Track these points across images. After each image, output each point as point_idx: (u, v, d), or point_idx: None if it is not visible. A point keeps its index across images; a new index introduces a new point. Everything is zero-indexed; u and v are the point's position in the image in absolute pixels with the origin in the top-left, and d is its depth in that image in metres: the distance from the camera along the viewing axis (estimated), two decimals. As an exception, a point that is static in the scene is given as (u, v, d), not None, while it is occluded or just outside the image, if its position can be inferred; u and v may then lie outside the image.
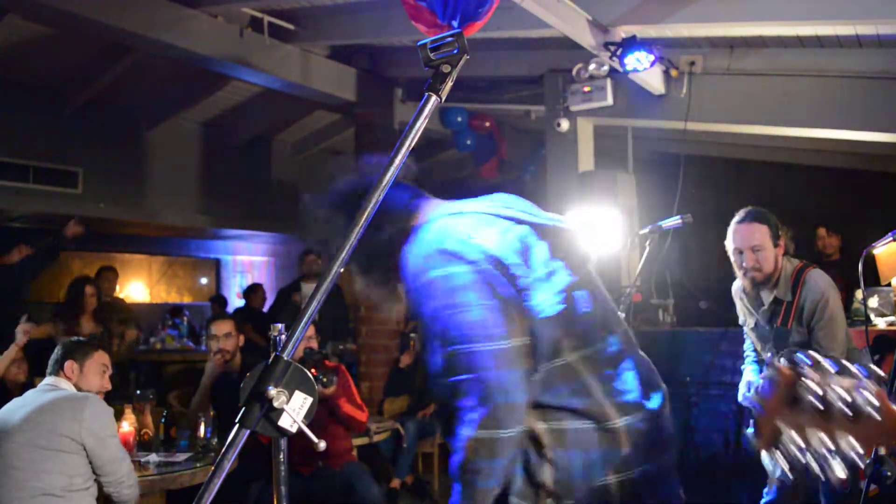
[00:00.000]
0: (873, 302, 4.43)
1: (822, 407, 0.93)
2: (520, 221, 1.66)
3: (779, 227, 3.12)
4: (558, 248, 1.66)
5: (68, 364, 3.05)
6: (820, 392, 0.93)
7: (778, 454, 0.95)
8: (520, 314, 1.53)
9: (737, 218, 3.16)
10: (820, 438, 0.93)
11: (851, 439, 0.92)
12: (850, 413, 0.92)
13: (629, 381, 1.64)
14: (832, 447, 0.93)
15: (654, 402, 1.66)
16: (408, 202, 1.77)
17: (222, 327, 4.04)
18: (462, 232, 1.58)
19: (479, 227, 1.60)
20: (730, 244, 3.16)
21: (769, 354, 3.14)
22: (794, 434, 0.94)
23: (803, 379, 0.95)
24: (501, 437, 1.47)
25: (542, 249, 1.62)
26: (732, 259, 3.18)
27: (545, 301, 1.55)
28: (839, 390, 0.93)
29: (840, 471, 0.93)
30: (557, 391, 1.55)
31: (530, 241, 1.62)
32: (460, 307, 1.50)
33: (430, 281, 1.54)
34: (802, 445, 0.94)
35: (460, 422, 1.50)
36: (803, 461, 0.94)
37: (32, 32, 6.03)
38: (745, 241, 3.09)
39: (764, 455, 0.91)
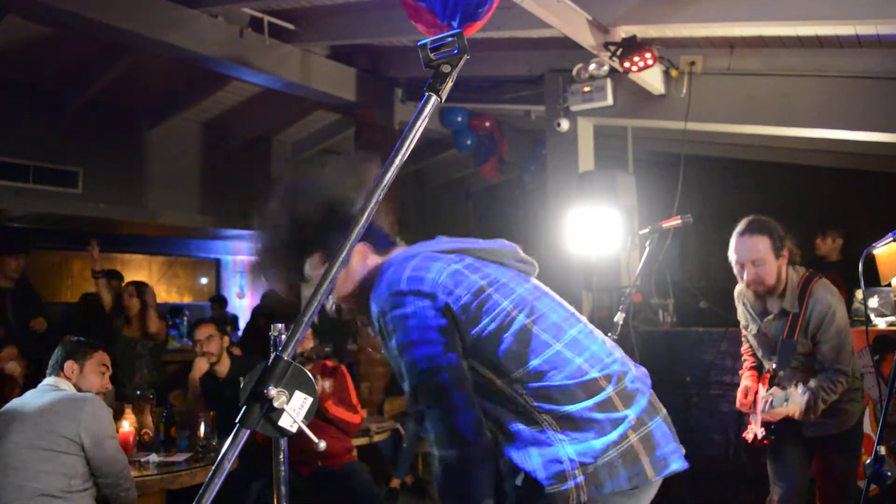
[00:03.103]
0: (873, 302, 4.42)
1: None
2: (461, 253, 1.75)
3: (783, 236, 3.04)
4: (500, 270, 1.73)
5: (68, 364, 3.05)
6: None
7: None
8: (469, 339, 1.62)
9: (738, 229, 3.09)
10: None
11: None
12: None
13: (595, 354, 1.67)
14: None
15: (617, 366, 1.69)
16: (376, 244, 1.84)
17: (203, 331, 4.21)
18: (414, 272, 1.66)
19: (428, 265, 1.67)
20: (731, 256, 3.11)
21: (774, 366, 3.12)
22: None
23: None
24: (470, 456, 1.55)
25: (483, 275, 1.68)
26: (734, 270, 3.14)
27: (491, 323, 1.62)
28: None
29: None
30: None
31: (471, 271, 1.69)
32: (417, 342, 1.59)
33: (390, 319, 1.62)
34: None
35: (432, 446, 1.59)
36: None
37: (32, 32, 6.02)
38: (746, 254, 3.03)
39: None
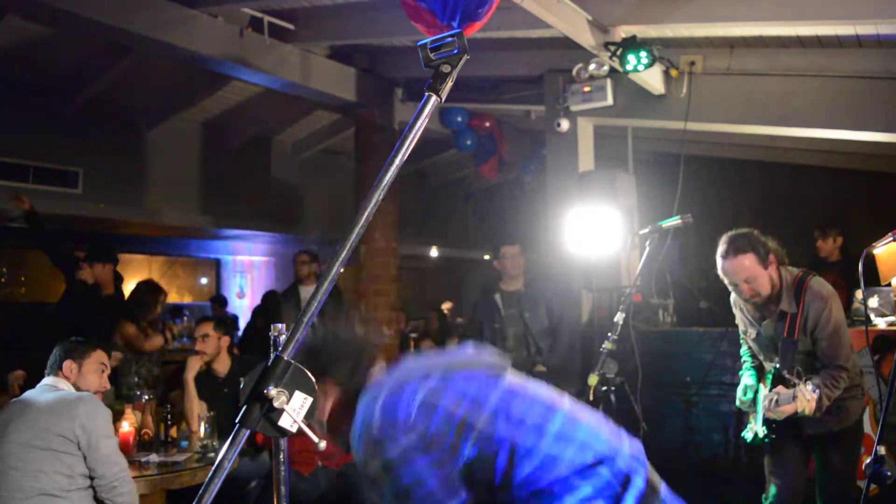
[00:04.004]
0: (873, 302, 4.42)
1: None
2: (425, 375, 1.68)
3: (764, 244, 3.07)
4: (468, 382, 1.67)
5: (67, 364, 3.05)
6: None
7: None
8: (457, 471, 1.58)
9: (720, 251, 3.11)
10: None
11: None
12: None
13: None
14: None
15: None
16: None
17: (200, 329, 4.20)
18: (384, 413, 1.61)
19: (395, 402, 1.62)
20: (722, 276, 3.14)
21: (777, 365, 3.12)
22: None
23: None
24: None
25: (452, 397, 1.63)
26: (729, 287, 3.17)
27: (471, 448, 1.59)
28: None
29: None
30: None
31: (439, 394, 1.63)
32: (410, 486, 1.55)
33: (374, 468, 1.58)
34: None
35: None
36: None
37: (32, 32, 6.02)
38: (736, 275, 3.06)
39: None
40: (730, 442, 4.68)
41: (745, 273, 3.03)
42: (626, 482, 1.59)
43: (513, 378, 1.73)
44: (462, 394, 1.62)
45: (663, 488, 1.66)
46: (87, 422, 2.81)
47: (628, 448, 1.65)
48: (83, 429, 2.79)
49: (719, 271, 3.14)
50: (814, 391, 2.92)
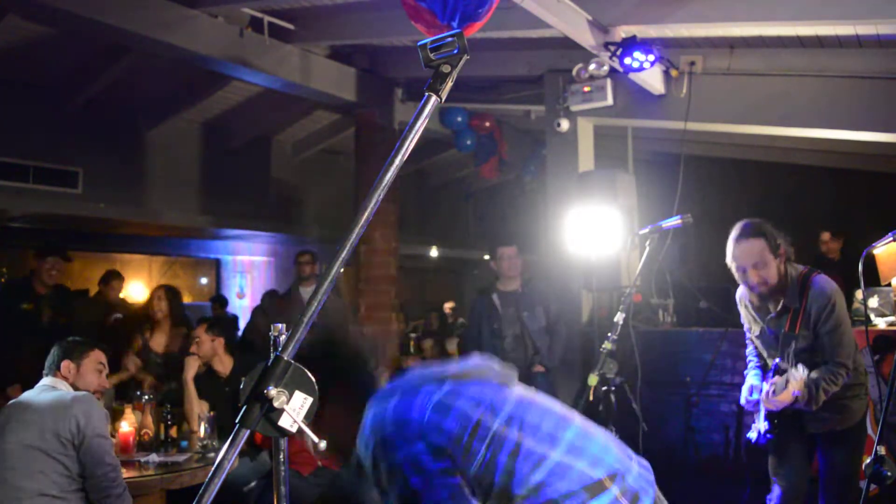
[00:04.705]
0: (873, 302, 4.43)
1: None
2: (438, 381, 1.67)
3: (776, 236, 3.07)
4: (482, 389, 1.67)
5: (65, 364, 3.04)
6: None
7: None
8: (470, 475, 1.56)
9: (733, 234, 3.10)
10: None
11: None
12: None
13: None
14: None
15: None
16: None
17: (195, 332, 4.23)
18: (396, 415, 1.60)
19: (409, 404, 1.61)
20: (730, 262, 3.12)
21: (777, 360, 3.13)
22: None
23: None
24: None
25: (467, 400, 1.62)
26: (735, 275, 3.15)
27: (486, 451, 1.57)
28: None
29: None
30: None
31: (454, 398, 1.63)
32: (421, 490, 1.53)
33: (385, 470, 1.56)
34: None
35: None
36: None
37: (32, 32, 6.02)
38: (746, 259, 3.05)
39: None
40: (730, 442, 4.68)
41: (755, 258, 3.03)
42: (634, 499, 1.59)
43: (522, 389, 1.74)
44: (477, 398, 1.62)
45: None
46: (81, 420, 2.80)
47: (637, 467, 1.66)
48: (78, 427, 2.79)
49: (728, 256, 3.12)
50: (804, 371, 2.94)
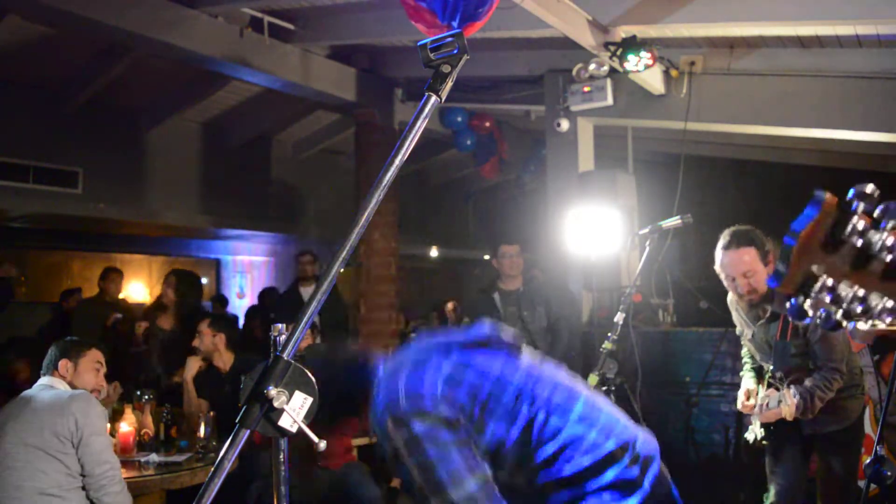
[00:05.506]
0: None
1: (861, 253, 0.79)
2: (446, 348, 1.68)
3: (765, 242, 3.05)
4: (490, 360, 1.68)
5: (62, 363, 3.05)
6: (866, 239, 0.80)
7: (805, 302, 0.82)
8: (482, 447, 1.59)
9: (721, 243, 3.09)
10: (853, 291, 0.79)
11: (887, 300, 0.79)
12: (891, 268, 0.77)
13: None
14: (863, 300, 0.79)
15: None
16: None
17: (198, 326, 4.22)
18: (409, 389, 1.61)
19: (421, 376, 1.62)
20: (720, 270, 3.11)
21: (771, 367, 3.13)
22: (828, 281, 0.80)
23: (851, 220, 0.83)
24: None
25: (476, 371, 1.64)
26: (725, 283, 3.14)
27: (497, 424, 1.60)
28: (888, 240, 0.79)
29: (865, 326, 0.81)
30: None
31: (463, 369, 1.64)
32: (436, 461, 1.55)
33: (402, 444, 1.58)
34: (833, 294, 0.80)
35: None
36: (834, 315, 0.81)
37: (32, 32, 6.02)
38: (735, 268, 3.03)
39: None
40: (730, 442, 4.68)
41: (744, 267, 3.01)
42: (644, 466, 1.63)
43: (531, 359, 1.76)
44: (486, 371, 1.65)
45: (669, 481, 1.71)
46: (80, 418, 2.80)
47: (642, 434, 1.71)
48: (76, 425, 2.79)
49: (717, 265, 3.11)
50: (795, 396, 2.93)
